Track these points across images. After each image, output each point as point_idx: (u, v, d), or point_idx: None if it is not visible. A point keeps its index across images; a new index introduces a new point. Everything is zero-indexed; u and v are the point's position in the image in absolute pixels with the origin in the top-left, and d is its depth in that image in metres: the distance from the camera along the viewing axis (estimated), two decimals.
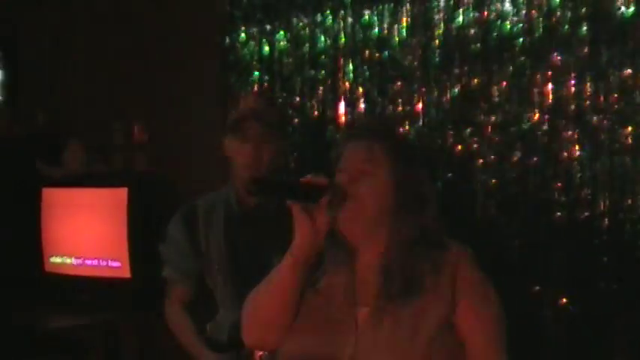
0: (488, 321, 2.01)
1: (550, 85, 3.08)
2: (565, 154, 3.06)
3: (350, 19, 3.56)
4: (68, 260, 4.07)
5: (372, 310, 1.98)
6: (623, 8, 2.93)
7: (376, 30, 3.49)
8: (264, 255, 2.57)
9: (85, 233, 4.03)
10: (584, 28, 3.01)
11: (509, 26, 3.17)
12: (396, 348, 1.92)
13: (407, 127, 3.40)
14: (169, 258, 2.99)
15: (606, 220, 2.98)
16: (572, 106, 3.04)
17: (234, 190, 2.89)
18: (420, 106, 3.38)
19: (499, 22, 3.19)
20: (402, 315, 1.95)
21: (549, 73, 3.08)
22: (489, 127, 3.22)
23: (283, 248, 2.53)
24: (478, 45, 3.24)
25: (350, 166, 2.03)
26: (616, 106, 2.95)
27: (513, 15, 3.15)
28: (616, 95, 2.95)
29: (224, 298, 2.87)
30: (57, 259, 4.11)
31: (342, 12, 3.57)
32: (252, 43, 3.87)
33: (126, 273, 3.87)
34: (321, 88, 3.66)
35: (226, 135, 2.86)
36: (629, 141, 2.93)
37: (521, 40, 3.14)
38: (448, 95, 3.31)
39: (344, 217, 1.99)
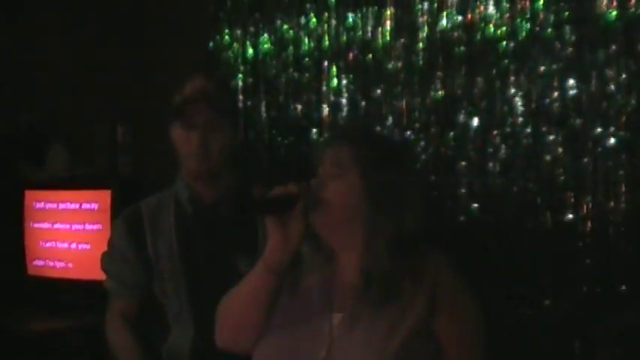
0: (468, 329, 2.00)
1: (534, 88, 3.09)
2: (548, 156, 3.06)
3: (334, 22, 3.56)
4: (51, 263, 4.05)
5: (346, 315, 1.98)
6: (606, 11, 2.94)
7: (360, 33, 3.49)
8: (226, 258, 2.46)
9: (69, 236, 4.01)
10: (568, 31, 3.02)
11: (493, 29, 3.17)
12: (369, 353, 1.92)
13: (391, 130, 3.41)
14: (110, 268, 2.63)
15: (589, 222, 2.99)
16: (556, 109, 3.05)
17: (185, 186, 2.57)
18: (403, 108, 3.38)
19: (483, 25, 3.19)
20: (376, 320, 1.94)
21: (533, 76, 3.09)
22: (473, 129, 3.23)
23: (246, 249, 2.44)
24: (462, 48, 3.25)
25: (321, 172, 2.04)
26: (599, 109, 2.96)
27: (497, 18, 3.16)
28: (599, 98, 2.96)
29: (178, 312, 2.53)
30: (40, 262, 4.09)
31: (327, 15, 3.57)
32: (236, 45, 3.87)
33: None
34: (304, 90, 3.67)
35: (171, 122, 2.53)
36: (612, 144, 2.94)
37: (504, 43, 3.15)
38: (432, 98, 3.31)
39: (317, 221, 2.00)
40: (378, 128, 3.39)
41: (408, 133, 3.37)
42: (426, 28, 3.33)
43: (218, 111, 2.46)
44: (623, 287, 2.91)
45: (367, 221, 2.00)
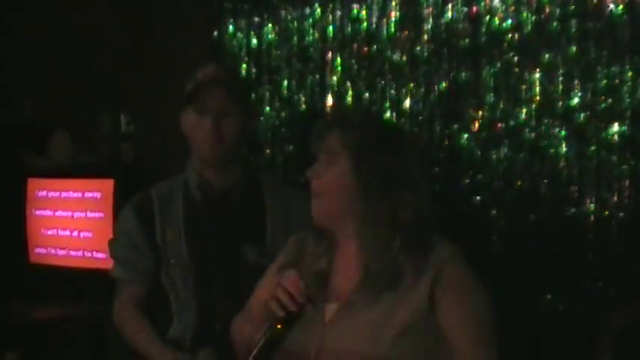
0: (475, 319, 1.97)
1: (538, 82, 3.08)
2: (552, 151, 3.06)
3: (339, 13, 3.55)
4: (53, 251, 4.05)
5: (340, 306, 1.97)
6: (612, 6, 2.93)
7: (365, 24, 3.48)
8: (233, 246, 2.47)
9: (71, 224, 4.02)
10: (573, 25, 3.01)
11: (498, 22, 3.16)
12: (363, 341, 1.91)
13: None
14: (120, 255, 2.60)
15: (592, 217, 2.98)
16: (560, 103, 3.04)
17: (195, 173, 2.54)
18: (407, 101, 3.37)
19: (488, 17, 3.18)
20: (373, 309, 1.93)
21: (538, 69, 3.08)
22: (477, 123, 3.22)
23: (254, 238, 2.47)
24: (467, 40, 3.24)
25: (317, 160, 2.04)
26: (603, 104, 2.95)
27: (503, 11, 3.15)
28: (604, 93, 2.95)
29: (185, 299, 2.50)
30: (42, 250, 4.10)
31: (331, 5, 3.56)
32: (240, 35, 3.86)
33: (111, 264, 3.84)
34: (309, 81, 3.66)
35: (183, 108, 2.49)
36: (616, 139, 2.94)
37: (510, 36, 3.14)
38: (436, 90, 3.30)
39: (314, 210, 2.01)
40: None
41: (412, 125, 3.36)
42: (431, 19, 3.32)
43: (231, 96, 2.44)
44: (625, 283, 2.91)
45: (361, 208, 1.99)
